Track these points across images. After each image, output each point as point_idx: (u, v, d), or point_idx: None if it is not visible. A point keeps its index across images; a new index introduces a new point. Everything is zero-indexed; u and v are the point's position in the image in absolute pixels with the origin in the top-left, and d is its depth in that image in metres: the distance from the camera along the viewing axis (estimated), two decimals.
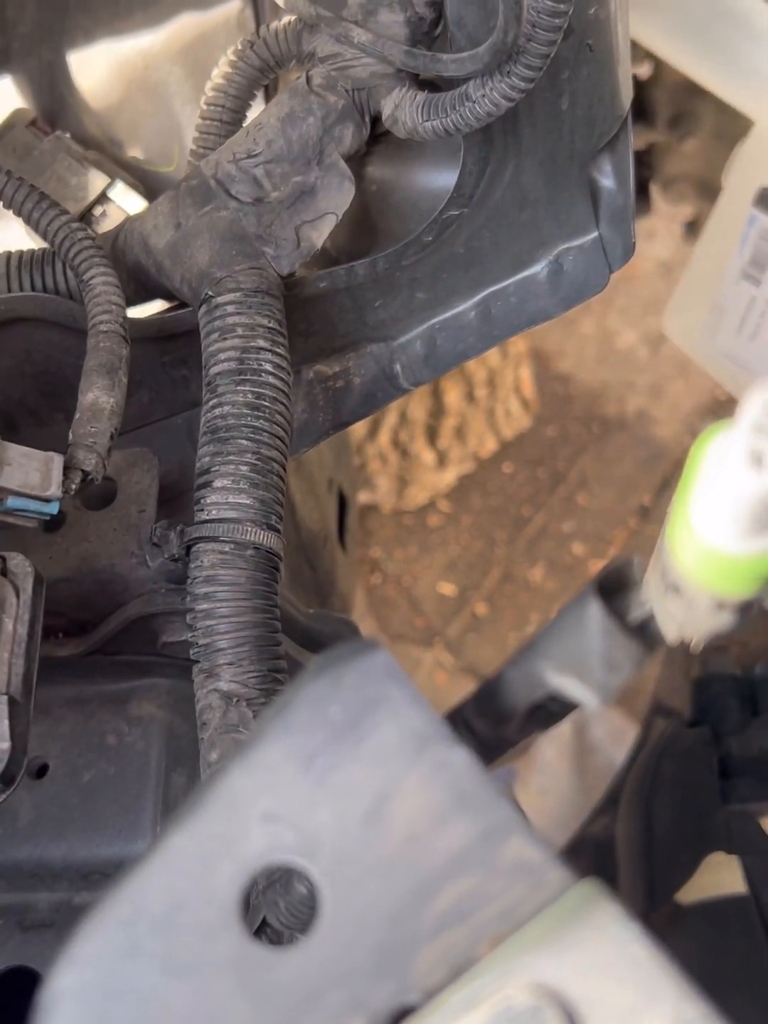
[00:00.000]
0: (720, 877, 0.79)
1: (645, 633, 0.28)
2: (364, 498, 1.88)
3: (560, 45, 0.55)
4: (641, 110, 1.31)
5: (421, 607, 1.91)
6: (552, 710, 0.31)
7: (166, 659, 0.65)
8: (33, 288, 0.61)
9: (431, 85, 0.57)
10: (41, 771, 0.63)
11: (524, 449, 1.93)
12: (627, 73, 0.60)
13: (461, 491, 1.94)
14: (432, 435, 1.91)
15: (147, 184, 0.71)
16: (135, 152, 0.71)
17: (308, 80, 0.58)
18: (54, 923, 0.61)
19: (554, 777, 1.52)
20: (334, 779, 0.27)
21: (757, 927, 0.71)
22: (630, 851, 0.93)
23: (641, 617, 0.28)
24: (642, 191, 1.29)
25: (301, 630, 0.64)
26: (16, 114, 0.70)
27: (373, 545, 1.92)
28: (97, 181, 0.67)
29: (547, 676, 0.29)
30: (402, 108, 0.56)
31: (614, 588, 0.29)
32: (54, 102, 0.73)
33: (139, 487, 0.61)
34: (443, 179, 0.62)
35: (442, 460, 1.92)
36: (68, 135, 0.70)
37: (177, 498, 0.67)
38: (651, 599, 0.27)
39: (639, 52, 0.97)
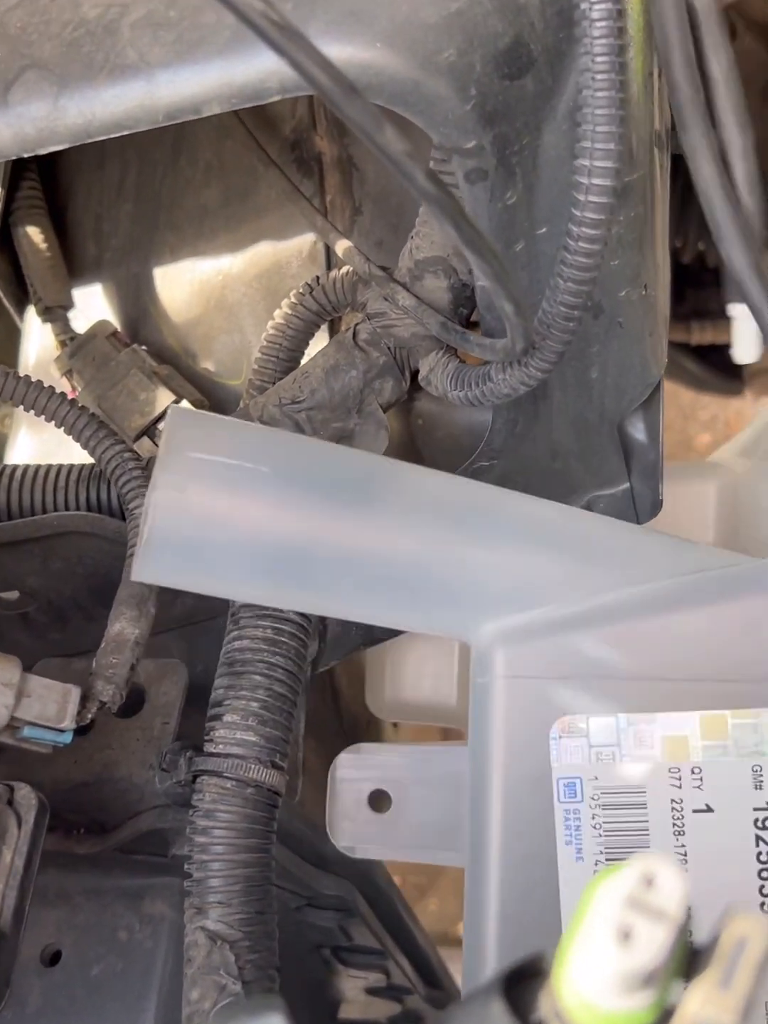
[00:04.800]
0: None
1: None
2: None
3: (590, 323, 0.58)
4: None
5: None
6: None
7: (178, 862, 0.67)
8: (87, 502, 0.65)
9: None
10: (54, 958, 0.65)
11: None
12: (662, 343, 0.62)
13: None
14: None
15: (215, 396, 0.75)
16: (207, 365, 0.76)
17: (354, 335, 0.62)
18: None
19: None
20: None
21: None
22: None
23: (542, 1018, 0.29)
24: None
25: (312, 850, 0.66)
26: (99, 325, 0.75)
27: None
28: (164, 398, 0.72)
29: None
30: (435, 372, 0.59)
31: (526, 975, 0.29)
32: (137, 312, 0.78)
33: (166, 698, 0.64)
34: (484, 417, 0.65)
35: None
36: (144, 348, 0.75)
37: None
38: (543, 1015, 0.28)
39: None
